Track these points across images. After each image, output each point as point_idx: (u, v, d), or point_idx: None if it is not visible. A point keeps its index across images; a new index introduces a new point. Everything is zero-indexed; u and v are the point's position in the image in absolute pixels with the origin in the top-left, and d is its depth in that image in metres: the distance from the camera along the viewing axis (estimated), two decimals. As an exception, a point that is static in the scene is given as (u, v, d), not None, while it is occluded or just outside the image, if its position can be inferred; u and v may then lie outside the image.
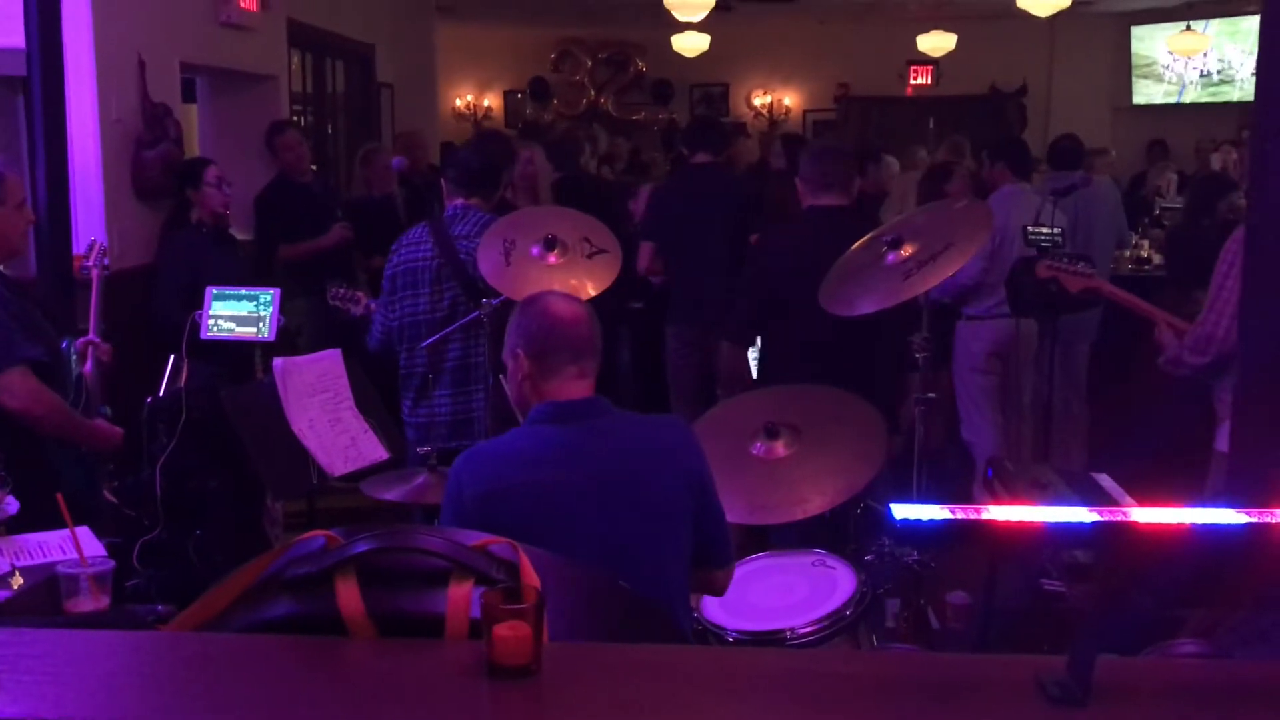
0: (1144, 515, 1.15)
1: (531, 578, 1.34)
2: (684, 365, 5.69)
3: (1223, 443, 3.42)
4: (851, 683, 1.26)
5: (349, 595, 1.34)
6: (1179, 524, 1.14)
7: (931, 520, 1.16)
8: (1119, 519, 1.15)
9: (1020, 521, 1.16)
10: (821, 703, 1.22)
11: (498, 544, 1.40)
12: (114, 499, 3.53)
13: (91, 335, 3.66)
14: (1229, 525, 1.15)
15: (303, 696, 1.26)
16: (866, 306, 3.22)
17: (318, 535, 1.41)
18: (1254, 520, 1.14)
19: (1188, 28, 11.56)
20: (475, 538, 1.42)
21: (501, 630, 1.23)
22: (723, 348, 4.46)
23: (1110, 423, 6.12)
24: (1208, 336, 3.39)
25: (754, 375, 4.39)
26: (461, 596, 1.33)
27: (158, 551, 3.75)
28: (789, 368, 3.89)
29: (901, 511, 1.17)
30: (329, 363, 3.37)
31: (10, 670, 1.26)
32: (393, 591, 1.36)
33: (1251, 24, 11.63)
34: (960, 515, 1.16)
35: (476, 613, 1.32)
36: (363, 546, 1.35)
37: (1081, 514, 1.16)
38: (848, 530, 3.64)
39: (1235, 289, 3.29)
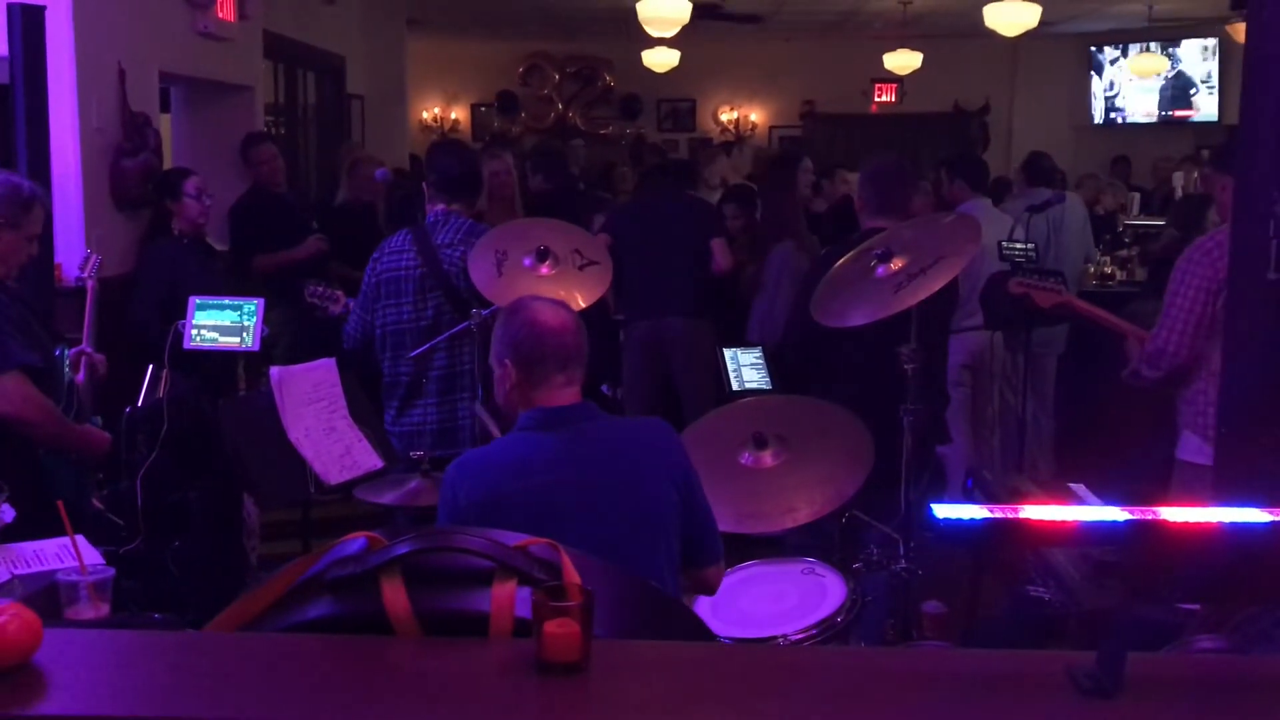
0: (1174, 514, 1.20)
1: (574, 577, 1.36)
2: (633, 363, 5.72)
3: (1185, 452, 3.54)
4: (890, 678, 1.30)
5: (395, 595, 1.36)
6: (1208, 523, 1.19)
7: (973, 519, 1.20)
8: (1151, 518, 1.20)
9: (1057, 520, 1.20)
10: (863, 697, 1.26)
11: (538, 544, 1.43)
12: (102, 507, 3.51)
13: (85, 346, 3.65)
14: (1256, 524, 1.20)
15: (353, 694, 1.28)
16: (858, 319, 3.27)
17: (358, 537, 1.43)
18: (1278, 519, 1.19)
19: (1147, 48, 11.80)
20: (515, 538, 1.45)
21: (551, 627, 1.26)
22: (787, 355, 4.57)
23: (1076, 433, 6.24)
24: (1159, 351, 3.51)
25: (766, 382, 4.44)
26: (505, 595, 1.36)
27: (137, 562, 3.73)
28: (830, 387, 3.93)
29: (943, 511, 1.21)
30: (324, 371, 3.38)
31: (63, 668, 1.27)
32: (436, 591, 1.39)
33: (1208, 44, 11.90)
34: (1000, 515, 1.21)
35: (520, 611, 1.35)
36: (408, 546, 1.37)
37: (1115, 513, 1.21)
38: (833, 539, 3.69)
39: (1185, 306, 3.42)
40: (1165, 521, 1.19)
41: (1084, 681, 1.24)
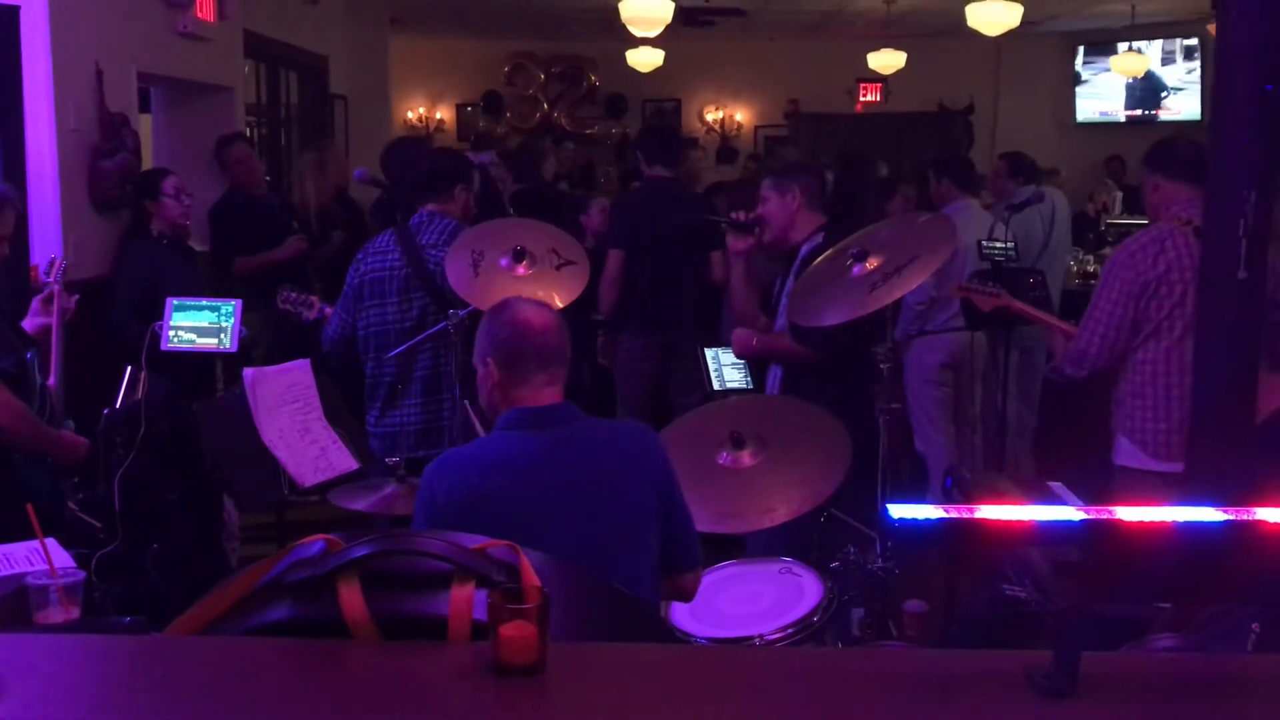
0: (1130, 514, 1.20)
1: (533, 579, 1.36)
2: (634, 375, 5.72)
3: (1120, 456, 3.55)
4: (849, 678, 1.30)
5: (352, 598, 1.35)
6: (1163, 522, 1.19)
7: (927, 519, 1.20)
8: (1106, 517, 1.20)
9: (1012, 520, 1.20)
10: (821, 698, 1.26)
11: (497, 546, 1.43)
12: (78, 511, 3.49)
13: (54, 348, 3.62)
14: (1210, 523, 1.20)
15: (310, 698, 1.27)
16: (833, 318, 3.28)
17: (317, 539, 1.42)
18: (1233, 519, 1.20)
19: (1130, 48, 11.84)
20: (475, 541, 1.44)
21: (508, 630, 1.26)
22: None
23: (1063, 432, 6.24)
24: (1081, 353, 3.53)
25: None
26: (464, 598, 1.36)
27: (115, 565, 3.71)
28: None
29: (898, 511, 1.21)
30: (298, 373, 3.37)
31: (15, 675, 1.26)
32: (394, 594, 1.38)
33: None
34: (954, 515, 1.21)
35: (478, 614, 1.35)
36: (365, 549, 1.37)
37: (1070, 512, 1.21)
38: (811, 538, 3.70)
39: (1107, 309, 3.45)
40: (1120, 521, 1.20)
41: (1040, 681, 1.25)
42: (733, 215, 4.08)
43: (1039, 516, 1.21)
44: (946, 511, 1.21)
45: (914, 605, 4.10)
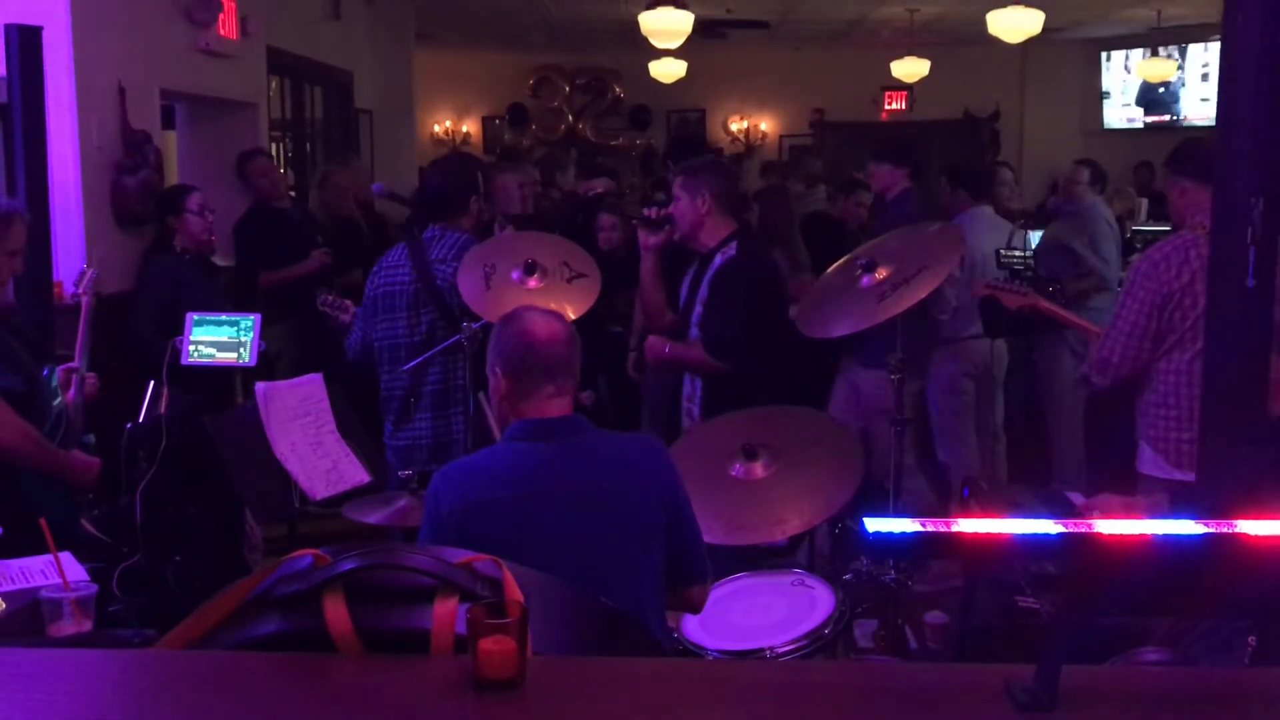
0: (1108, 527, 1.19)
1: (515, 593, 1.37)
2: (659, 385, 5.71)
3: (1142, 465, 3.53)
4: (830, 692, 1.30)
5: (337, 612, 1.36)
6: (1142, 535, 1.18)
7: (904, 533, 1.20)
8: (1084, 530, 1.19)
9: (988, 533, 1.20)
10: (800, 712, 1.26)
11: (481, 561, 1.44)
12: (93, 529, 3.51)
13: (76, 363, 3.66)
14: (1189, 536, 1.19)
15: (293, 712, 1.28)
16: (843, 329, 3.28)
17: (305, 554, 1.44)
18: (1212, 531, 1.19)
19: (1155, 53, 11.74)
20: (459, 555, 1.45)
21: (487, 644, 1.26)
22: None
23: (1095, 442, 6.18)
24: (1104, 361, 3.51)
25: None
26: (447, 612, 1.37)
27: (137, 578, 3.74)
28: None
29: (874, 524, 1.21)
30: (311, 387, 3.39)
31: (5, 689, 1.28)
32: (379, 608, 1.39)
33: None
34: (931, 528, 1.20)
35: (461, 628, 1.36)
36: (350, 564, 1.38)
37: (1048, 526, 1.20)
38: (823, 549, 3.70)
39: (1129, 318, 3.43)
40: (1098, 534, 1.19)
41: (1020, 696, 1.24)
42: (645, 211, 4.08)
43: (1015, 530, 1.21)
44: (923, 525, 1.21)
45: (934, 617, 4.09)
